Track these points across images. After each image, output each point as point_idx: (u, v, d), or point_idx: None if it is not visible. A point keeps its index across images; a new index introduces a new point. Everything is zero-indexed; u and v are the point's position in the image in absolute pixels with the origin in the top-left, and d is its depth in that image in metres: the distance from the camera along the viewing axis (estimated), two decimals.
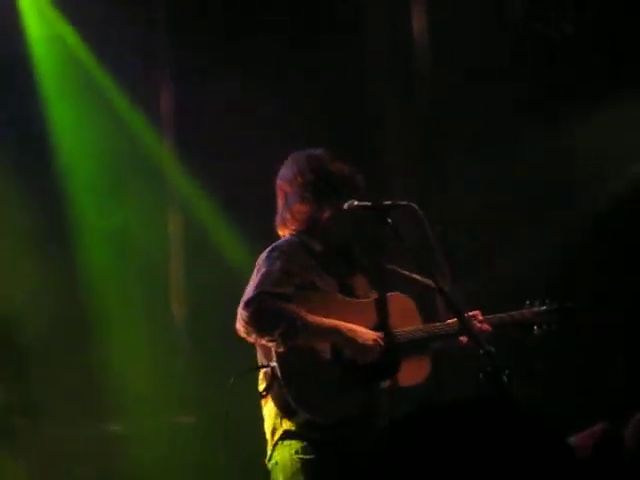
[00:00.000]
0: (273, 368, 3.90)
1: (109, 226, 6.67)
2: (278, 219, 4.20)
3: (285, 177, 4.19)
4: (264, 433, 4.05)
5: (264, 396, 3.94)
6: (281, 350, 3.88)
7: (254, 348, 4.07)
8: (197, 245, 6.81)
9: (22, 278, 6.37)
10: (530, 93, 6.54)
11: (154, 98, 6.82)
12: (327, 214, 4.10)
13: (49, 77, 6.66)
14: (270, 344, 3.89)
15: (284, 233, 4.18)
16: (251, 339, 3.96)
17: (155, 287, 6.82)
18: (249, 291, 3.92)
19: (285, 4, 6.83)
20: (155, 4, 6.90)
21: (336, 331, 3.92)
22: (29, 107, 6.53)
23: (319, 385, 3.90)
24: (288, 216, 4.14)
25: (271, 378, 3.92)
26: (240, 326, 3.91)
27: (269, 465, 4.02)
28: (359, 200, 4.05)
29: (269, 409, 4.00)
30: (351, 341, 3.92)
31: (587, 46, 6.52)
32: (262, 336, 3.89)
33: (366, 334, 3.95)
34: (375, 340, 3.95)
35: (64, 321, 6.45)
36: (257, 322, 3.86)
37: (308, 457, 3.90)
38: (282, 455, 3.95)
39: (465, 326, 3.80)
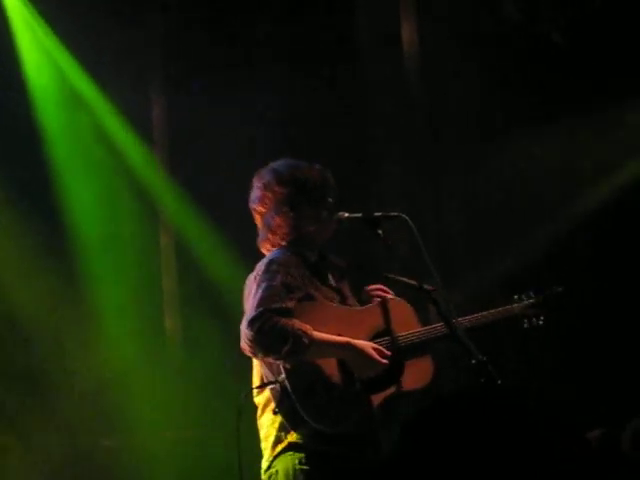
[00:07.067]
0: (281, 383, 3.88)
1: (102, 237, 6.67)
2: (260, 241, 4.15)
3: (255, 198, 4.12)
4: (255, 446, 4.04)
5: (276, 412, 3.90)
6: (289, 366, 3.86)
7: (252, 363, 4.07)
8: (188, 258, 6.82)
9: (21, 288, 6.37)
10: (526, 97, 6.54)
11: (145, 111, 6.83)
12: (312, 224, 4.08)
13: (41, 90, 6.64)
14: (277, 362, 3.87)
15: (269, 250, 4.11)
16: (257, 358, 3.94)
17: (148, 301, 6.82)
18: (251, 308, 3.86)
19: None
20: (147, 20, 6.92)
21: (342, 347, 3.91)
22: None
23: (327, 397, 3.88)
24: (269, 235, 4.09)
25: (281, 393, 3.88)
26: (245, 345, 3.86)
27: (266, 475, 4.00)
28: (349, 212, 4.09)
29: (272, 421, 3.98)
30: (357, 357, 3.91)
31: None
32: (268, 355, 3.86)
33: (371, 348, 3.94)
34: (381, 353, 3.94)
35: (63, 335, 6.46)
36: (263, 341, 3.81)
37: (310, 467, 3.90)
38: (284, 464, 3.93)
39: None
